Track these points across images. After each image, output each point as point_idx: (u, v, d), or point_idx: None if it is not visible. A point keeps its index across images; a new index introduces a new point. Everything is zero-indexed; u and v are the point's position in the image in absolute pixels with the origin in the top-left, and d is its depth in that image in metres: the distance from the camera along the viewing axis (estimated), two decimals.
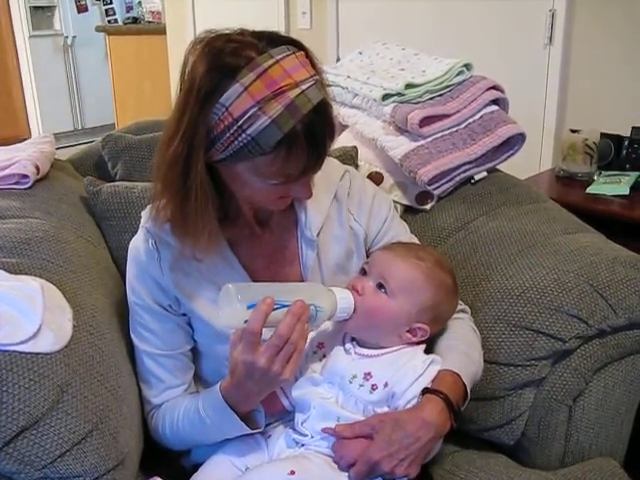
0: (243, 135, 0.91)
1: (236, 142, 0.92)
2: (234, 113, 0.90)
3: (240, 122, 0.90)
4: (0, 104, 5.61)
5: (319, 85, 0.94)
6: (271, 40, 0.93)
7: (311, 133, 0.92)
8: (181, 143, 0.93)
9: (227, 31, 0.95)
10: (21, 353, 0.91)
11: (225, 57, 0.91)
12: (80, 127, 6.20)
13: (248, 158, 0.93)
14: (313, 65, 0.96)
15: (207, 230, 1.00)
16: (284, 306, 0.95)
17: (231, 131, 0.91)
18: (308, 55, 0.96)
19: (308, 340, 1.10)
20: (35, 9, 5.76)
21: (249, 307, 0.93)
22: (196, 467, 1.09)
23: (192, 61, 0.94)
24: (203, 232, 1.00)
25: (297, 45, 0.95)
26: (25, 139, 1.69)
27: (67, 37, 5.99)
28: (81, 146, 2.17)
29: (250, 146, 0.91)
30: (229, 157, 0.94)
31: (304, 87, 0.91)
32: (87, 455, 0.93)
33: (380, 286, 1.07)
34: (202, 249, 1.03)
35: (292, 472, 0.96)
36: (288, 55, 0.92)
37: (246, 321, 0.93)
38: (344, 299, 1.03)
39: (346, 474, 0.99)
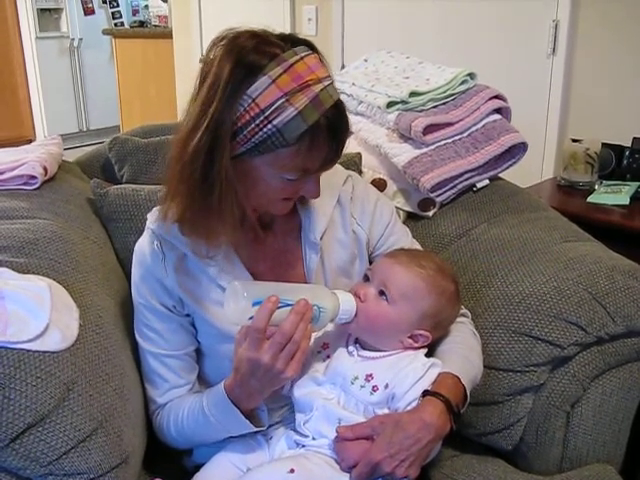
0: (269, 126, 0.93)
1: (260, 133, 0.93)
2: (261, 104, 0.92)
3: (267, 113, 0.92)
4: (6, 105, 5.63)
5: (334, 85, 0.98)
6: (292, 41, 0.96)
7: (332, 127, 0.95)
8: (205, 135, 0.94)
9: (249, 29, 0.98)
10: (28, 351, 0.93)
11: (251, 53, 0.93)
12: (85, 129, 6.21)
13: (270, 150, 0.95)
14: (325, 67, 0.99)
15: (230, 223, 1.00)
16: (288, 305, 0.96)
17: (257, 122, 0.93)
18: (321, 58, 0.99)
19: (313, 339, 1.12)
20: (42, 11, 5.78)
21: (254, 304, 0.95)
22: (198, 467, 1.11)
23: (216, 57, 0.95)
24: (226, 225, 1.01)
25: (312, 48, 0.98)
26: (30, 140, 1.71)
27: (73, 39, 6.00)
28: (85, 147, 2.19)
29: (274, 137, 0.93)
30: (249, 150, 0.96)
31: (326, 83, 0.95)
32: (91, 453, 0.94)
33: (381, 293, 1.08)
34: (219, 244, 1.05)
35: (292, 470, 0.98)
36: (309, 54, 0.96)
37: (251, 318, 0.95)
38: (346, 302, 1.04)
39: (346, 473, 1.00)
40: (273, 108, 0.92)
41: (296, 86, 0.92)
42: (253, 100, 0.92)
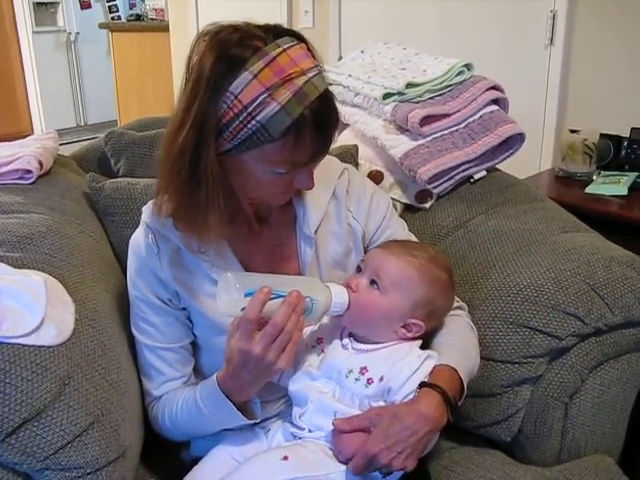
0: (252, 122, 0.92)
1: (245, 129, 0.93)
2: (243, 100, 0.91)
3: (250, 109, 0.91)
4: (3, 100, 5.62)
5: (322, 75, 0.97)
6: (276, 32, 0.95)
7: (319, 119, 0.94)
8: (190, 132, 0.94)
9: (232, 23, 0.97)
10: (24, 346, 0.92)
11: (232, 47, 0.93)
12: (82, 123, 6.21)
13: (256, 146, 0.94)
14: (314, 57, 0.98)
15: (218, 219, 1.00)
16: (280, 296, 0.96)
17: (240, 118, 0.92)
18: (309, 48, 0.98)
19: (308, 333, 1.12)
20: (39, 5, 5.76)
21: (247, 295, 0.94)
22: (195, 461, 1.11)
23: (199, 53, 0.95)
24: (214, 222, 1.00)
25: (299, 37, 0.97)
26: (27, 135, 1.70)
27: (70, 33, 6.00)
28: (83, 142, 2.18)
29: (259, 133, 0.92)
30: (237, 146, 0.95)
31: (310, 75, 0.93)
32: (88, 447, 0.94)
33: (373, 282, 1.08)
34: (210, 239, 1.04)
35: (285, 457, 0.98)
36: (293, 45, 0.94)
37: (243, 309, 0.94)
38: (339, 294, 1.04)
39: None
40: (256, 104, 0.91)
41: (278, 80, 0.91)
42: (236, 97, 0.92)
